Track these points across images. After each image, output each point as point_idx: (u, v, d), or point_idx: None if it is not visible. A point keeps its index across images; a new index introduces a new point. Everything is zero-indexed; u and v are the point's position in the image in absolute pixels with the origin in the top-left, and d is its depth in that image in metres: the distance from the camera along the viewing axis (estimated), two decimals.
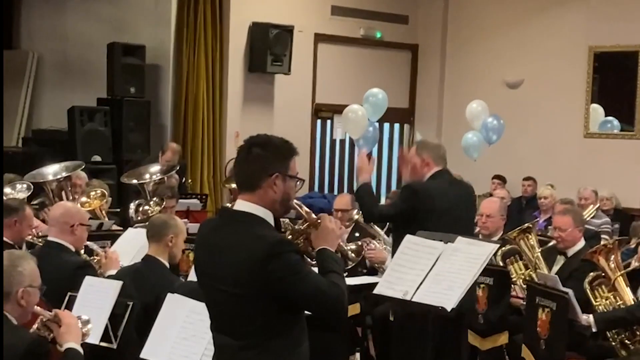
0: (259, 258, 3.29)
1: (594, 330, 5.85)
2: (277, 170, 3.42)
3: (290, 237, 3.68)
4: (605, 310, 5.98)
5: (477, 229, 6.94)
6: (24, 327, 3.80)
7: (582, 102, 12.47)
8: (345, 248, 4.24)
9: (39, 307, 3.89)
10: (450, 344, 5.76)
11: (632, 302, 5.99)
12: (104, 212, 7.99)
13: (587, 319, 5.90)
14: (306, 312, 3.47)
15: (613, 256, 6.10)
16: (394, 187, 13.95)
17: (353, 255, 4.27)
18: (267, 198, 3.42)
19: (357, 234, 7.22)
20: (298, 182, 3.52)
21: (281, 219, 3.69)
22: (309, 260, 3.61)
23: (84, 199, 7.92)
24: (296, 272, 3.32)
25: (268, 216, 3.44)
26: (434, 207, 5.69)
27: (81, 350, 3.88)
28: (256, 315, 3.35)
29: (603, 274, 6.07)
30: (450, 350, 5.80)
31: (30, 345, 3.58)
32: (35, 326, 3.84)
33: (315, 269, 3.48)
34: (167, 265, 5.48)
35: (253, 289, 3.32)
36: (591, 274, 6.09)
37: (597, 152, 12.28)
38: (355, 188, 6.21)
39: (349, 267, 4.18)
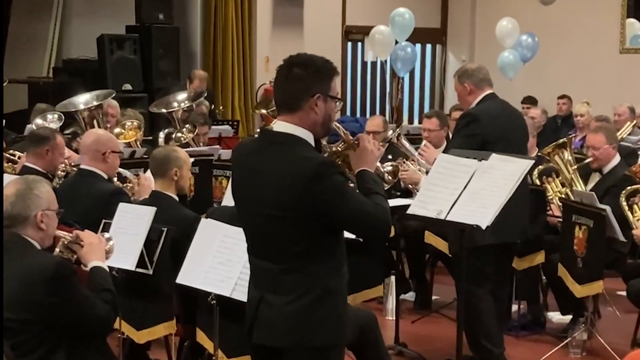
0: (304, 180, 3.24)
1: None
2: (319, 91, 3.35)
3: None
4: None
5: None
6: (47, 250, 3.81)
7: (618, 16, 12.22)
8: (382, 170, 4.20)
9: (59, 231, 3.89)
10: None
11: None
12: (138, 142, 7.99)
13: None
14: (349, 234, 3.43)
15: None
16: (426, 110, 13.82)
17: (389, 177, 4.23)
18: (309, 119, 3.36)
19: (389, 157, 7.16)
20: (338, 103, 3.46)
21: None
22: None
23: (118, 129, 7.90)
24: (342, 193, 3.28)
25: (309, 137, 3.38)
26: (492, 131, 5.38)
27: (106, 267, 3.91)
28: (299, 238, 3.31)
29: None
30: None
31: (57, 267, 3.60)
32: (57, 249, 3.84)
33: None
34: (176, 198, 5.33)
35: (297, 211, 3.28)
36: (628, 188, 5.98)
37: (633, 68, 12.06)
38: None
39: (386, 188, 4.13)
